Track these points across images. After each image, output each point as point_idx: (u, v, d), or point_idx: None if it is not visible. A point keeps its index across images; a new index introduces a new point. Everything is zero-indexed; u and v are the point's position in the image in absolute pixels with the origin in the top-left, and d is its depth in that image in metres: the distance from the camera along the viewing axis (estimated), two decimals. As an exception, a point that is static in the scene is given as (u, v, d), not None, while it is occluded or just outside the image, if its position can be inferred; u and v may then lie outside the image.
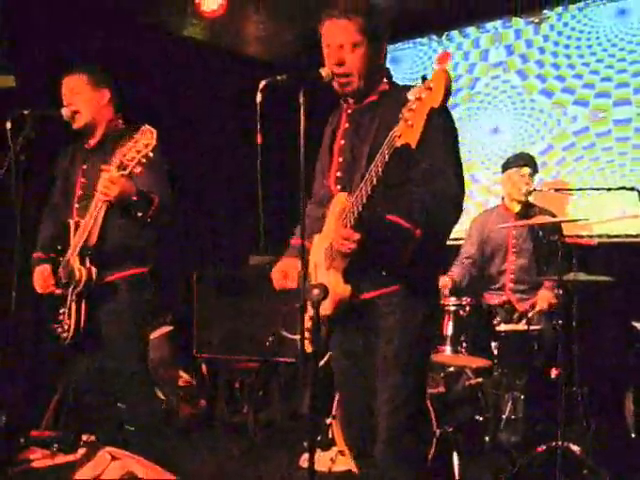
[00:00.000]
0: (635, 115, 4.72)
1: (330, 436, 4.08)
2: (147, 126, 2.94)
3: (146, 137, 2.90)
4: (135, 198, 3.02)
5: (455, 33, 5.62)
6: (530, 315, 4.01)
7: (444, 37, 5.68)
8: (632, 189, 3.91)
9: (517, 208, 4.35)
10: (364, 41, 2.35)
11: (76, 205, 3.30)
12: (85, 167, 3.33)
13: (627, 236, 4.62)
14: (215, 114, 5.94)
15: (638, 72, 4.72)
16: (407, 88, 2.34)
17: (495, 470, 3.64)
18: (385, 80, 2.46)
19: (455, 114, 2.51)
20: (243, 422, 4.83)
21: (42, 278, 3.31)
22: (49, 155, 3.57)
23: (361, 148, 2.38)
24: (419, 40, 5.80)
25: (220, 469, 3.99)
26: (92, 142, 3.36)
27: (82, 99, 3.29)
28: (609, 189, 4.06)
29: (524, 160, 4.33)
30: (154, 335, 5.08)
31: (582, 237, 4.35)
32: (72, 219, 3.27)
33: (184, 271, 5.47)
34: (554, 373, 3.67)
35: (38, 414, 4.53)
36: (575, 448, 3.57)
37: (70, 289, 3.17)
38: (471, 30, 5.55)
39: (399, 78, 5.82)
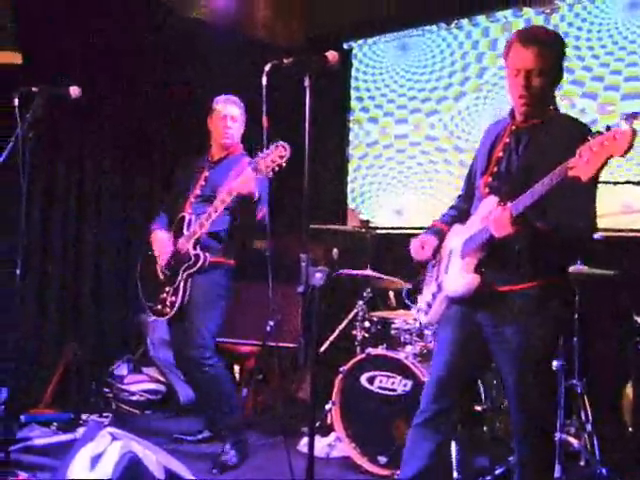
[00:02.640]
0: (643, 109, 4.70)
1: (329, 422, 4.10)
2: (281, 142, 3.37)
3: (279, 150, 3.37)
4: (254, 199, 3.65)
5: (465, 22, 5.58)
6: None
7: (453, 25, 5.64)
8: (638, 183, 3.90)
9: None
10: (549, 69, 2.58)
11: (192, 200, 3.93)
12: (207, 174, 3.98)
13: (631, 230, 4.61)
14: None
15: (648, 66, 4.69)
16: (569, 120, 2.69)
17: (493, 460, 3.66)
18: (551, 107, 2.67)
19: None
20: (242, 406, 4.84)
21: (164, 241, 3.93)
22: (56, 133, 3.58)
23: (516, 163, 2.64)
24: (428, 28, 5.76)
25: (218, 452, 4.00)
26: (215, 157, 4.05)
27: (238, 127, 4.04)
28: (615, 183, 4.04)
29: None
30: (155, 317, 5.08)
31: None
32: (186, 212, 3.88)
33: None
34: (554, 365, 3.67)
35: (38, 392, 4.54)
36: (573, 440, 3.59)
37: (181, 270, 3.79)
38: (481, 19, 5.51)
39: (407, 65, 5.77)
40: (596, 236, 4.09)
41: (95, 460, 2.70)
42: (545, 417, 2.71)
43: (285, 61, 2.26)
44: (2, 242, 4.13)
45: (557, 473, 3.39)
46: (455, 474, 3.44)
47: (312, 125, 2.25)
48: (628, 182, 3.97)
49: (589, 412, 3.86)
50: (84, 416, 4.37)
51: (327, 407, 4.02)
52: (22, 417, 4.14)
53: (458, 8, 5.55)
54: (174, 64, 5.50)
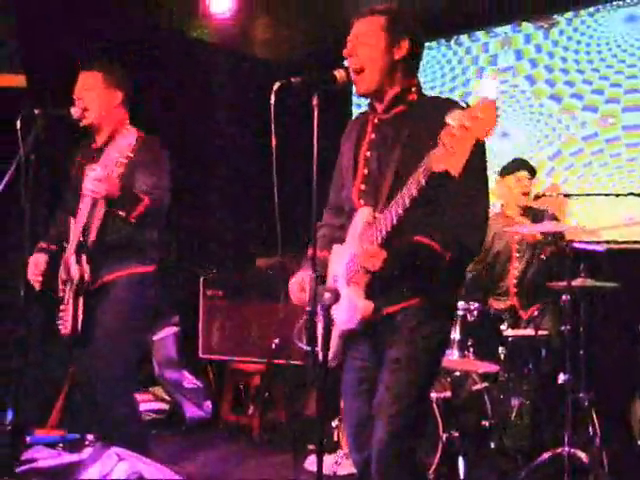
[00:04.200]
0: (644, 121, 4.71)
1: (335, 439, 4.08)
2: (129, 127, 3.03)
3: (127, 138, 2.99)
4: (117, 195, 3.04)
5: (464, 37, 5.61)
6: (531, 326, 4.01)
7: (453, 41, 5.67)
8: (641, 195, 3.90)
9: (517, 214, 4.37)
10: (381, 36, 2.34)
11: (81, 205, 3.31)
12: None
13: (635, 242, 4.61)
14: (223, 115, 5.95)
15: (648, 78, 4.71)
16: (437, 100, 2.45)
17: (501, 475, 3.64)
18: (414, 90, 2.41)
19: None
20: (248, 424, 4.83)
21: (33, 264, 3.33)
22: (59, 155, 3.59)
23: (387, 161, 2.33)
24: (428, 44, 5.78)
25: (225, 471, 3.98)
26: (99, 142, 3.37)
27: (93, 97, 3.30)
28: (618, 195, 4.05)
29: (517, 165, 4.34)
30: (160, 336, 5.09)
31: (590, 243, 4.33)
32: (75, 218, 3.30)
33: (191, 272, 5.48)
34: (561, 379, 3.65)
35: (44, 413, 4.53)
36: (581, 454, 3.56)
37: (68, 287, 3.24)
38: (480, 34, 5.54)
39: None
40: (600, 248, 4.12)
41: (102, 481, 2.70)
42: (417, 425, 2.40)
43: (293, 80, 2.24)
44: (6, 263, 4.14)
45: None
46: (463, 490, 3.43)
47: (319, 143, 2.23)
48: (631, 194, 3.97)
49: (597, 425, 3.84)
50: (90, 436, 4.35)
51: (334, 424, 4.01)
52: (28, 438, 4.13)
53: (457, 24, 5.59)
54: (180, 86, 5.54)
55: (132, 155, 3.00)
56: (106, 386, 3.22)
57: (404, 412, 2.29)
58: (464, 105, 2.33)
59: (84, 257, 3.16)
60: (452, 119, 1.85)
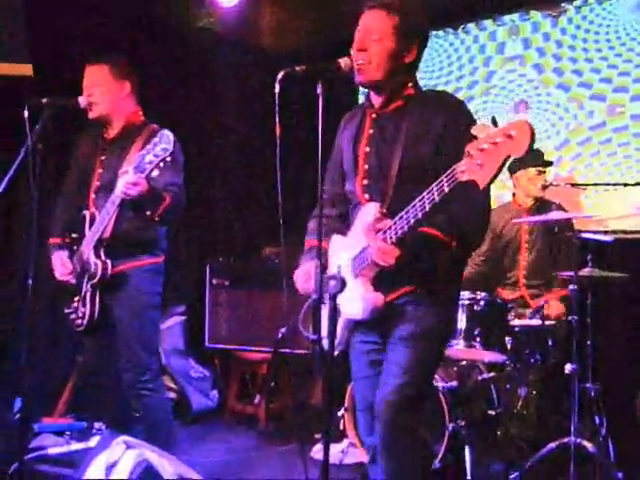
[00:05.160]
0: (653, 110, 4.69)
1: (342, 428, 4.09)
2: (166, 131, 2.98)
3: (165, 143, 2.92)
4: (146, 196, 3.05)
5: (472, 26, 5.58)
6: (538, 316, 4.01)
7: (460, 30, 5.64)
8: (650, 185, 3.88)
9: (530, 203, 4.35)
10: (394, 37, 2.35)
11: (93, 196, 3.33)
12: (103, 158, 3.35)
13: (643, 232, 4.60)
14: (230, 105, 5.93)
15: (657, 67, 4.68)
16: (433, 93, 2.50)
17: (507, 465, 3.64)
18: (410, 85, 2.43)
19: (471, 107, 2.55)
20: (254, 413, 4.85)
21: (61, 265, 3.37)
22: (66, 143, 3.58)
23: (389, 156, 2.37)
24: (435, 33, 5.75)
25: (231, 460, 4.00)
26: (111, 133, 3.38)
27: (101, 91, 3.29)
28: (626, 185, 4.03)
29: (523, 162, 4.26)
30: (166, 325, 5.10)
31: (597, 233, 4.32)
32: (88, 210, 3.30)
33: (197, 262, 5.49)
34: (568, 369, 3.64)
35: (52, 401, 4.56)
36: (587, 444, 3.56)
37: (85, 279, 3.24)
38: (488, 23, 5.51)
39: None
40: (608, 239, 4.11)
41: (109, 469, 2.71)
42: (420, 400, 2.42)
43: (297, 68, 2.23)
44: (12, 255, 4.14)
45: (572, 477, 3.38)
46: (469, 478, 3.43)
47: (324, 131, 2.23)
48: (639, 184, 3.96)
49: (603, 415, 3.84)
50: (98, 425, 4.37)
51: (339, 413, 4.02)
52: (36, 426, 4.15)
53: (465, 12, 5.56)
54: (186, 75, 5.53)
55: (169, 160, 2.98)
56: (133, 373, 3.24)
57: (409, 385, 2.33)
58: (459, 99, 2.44)
59: (102, 251, 3.19)
60: (479, 132, 1.92)
